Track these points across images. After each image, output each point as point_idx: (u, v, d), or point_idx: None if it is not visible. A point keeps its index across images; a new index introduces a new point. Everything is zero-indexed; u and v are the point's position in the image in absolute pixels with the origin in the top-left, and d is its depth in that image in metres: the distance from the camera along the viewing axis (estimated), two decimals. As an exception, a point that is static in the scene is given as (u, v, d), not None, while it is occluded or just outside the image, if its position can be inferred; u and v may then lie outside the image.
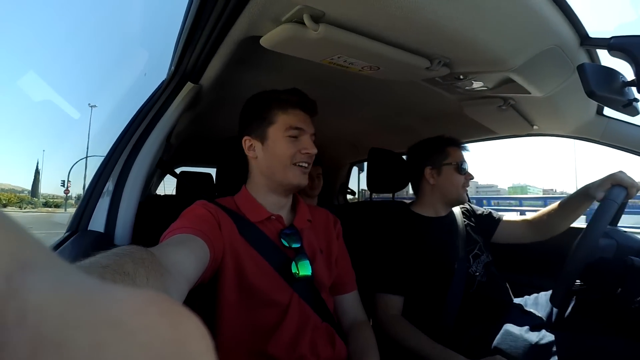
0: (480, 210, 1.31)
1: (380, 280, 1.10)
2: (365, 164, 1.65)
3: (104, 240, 0.83)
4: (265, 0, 0.62)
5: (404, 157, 1.42)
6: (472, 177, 1.21)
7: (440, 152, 1.21)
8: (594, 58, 0.87)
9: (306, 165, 0.80)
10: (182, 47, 0.85)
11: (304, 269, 0.76)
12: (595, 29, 0.77)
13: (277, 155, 0.79)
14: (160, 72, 1.04)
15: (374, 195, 1.60)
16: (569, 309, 0.97)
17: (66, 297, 0.09)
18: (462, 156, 1.21)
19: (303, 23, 0.66)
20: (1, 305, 0.08)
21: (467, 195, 1.22)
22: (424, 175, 1.22)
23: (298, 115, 0.80)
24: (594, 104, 1.10)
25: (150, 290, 0.11)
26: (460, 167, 1.18)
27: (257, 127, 0.81)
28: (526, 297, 1.14)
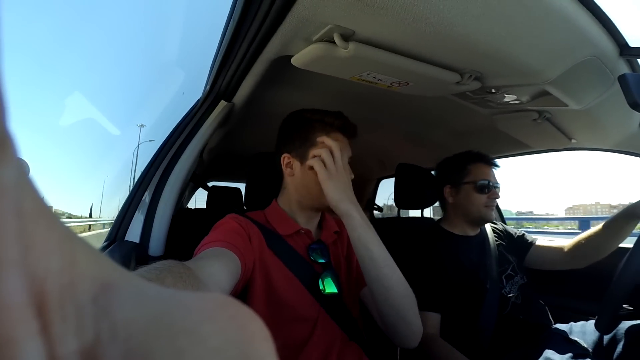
0: (513, 231, 1.27)
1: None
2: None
3: (139, 251, 0.86)
4: (298, 21, 0.64)
5: (433, 172, 1.39)
6: (497, 197, 1.14)
7: (460, 170, 1.18)
8: (635, 68, 0.83)
9: None
10: (217, 68, 0.90)
11: (329, 286, 0.76)
12: (636, 38, 0.74)
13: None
14: (196, 92, 1.10)
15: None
16: (610, 336, 0.89)
17: (148, 312, 0.10)
18: (485, 174, 1.15)
19: (333, 42, 0.68)
20: (96, 325, 0.09)
21: (492, 214, 1.16)
22: (443, 194, 1.21)
23: (337, 139, 0.79)
24: (637, 116, 1.04)
25: (218, 294, 0.12)
26: (479, 186, 1.13)
27: (298, 146, 0.80)
28: (572, 323, 1.06)
